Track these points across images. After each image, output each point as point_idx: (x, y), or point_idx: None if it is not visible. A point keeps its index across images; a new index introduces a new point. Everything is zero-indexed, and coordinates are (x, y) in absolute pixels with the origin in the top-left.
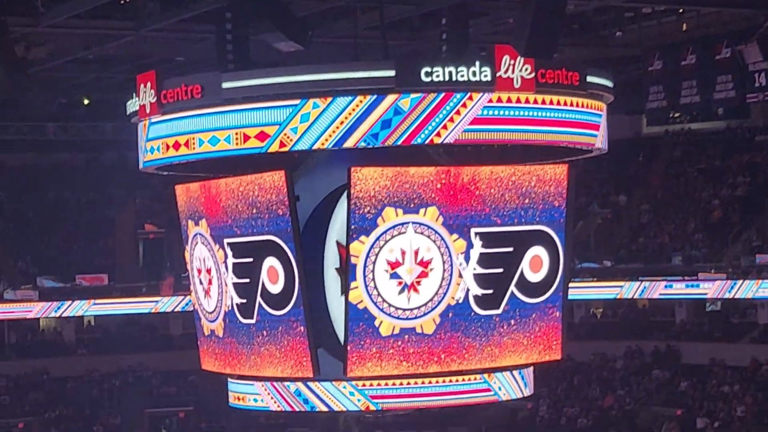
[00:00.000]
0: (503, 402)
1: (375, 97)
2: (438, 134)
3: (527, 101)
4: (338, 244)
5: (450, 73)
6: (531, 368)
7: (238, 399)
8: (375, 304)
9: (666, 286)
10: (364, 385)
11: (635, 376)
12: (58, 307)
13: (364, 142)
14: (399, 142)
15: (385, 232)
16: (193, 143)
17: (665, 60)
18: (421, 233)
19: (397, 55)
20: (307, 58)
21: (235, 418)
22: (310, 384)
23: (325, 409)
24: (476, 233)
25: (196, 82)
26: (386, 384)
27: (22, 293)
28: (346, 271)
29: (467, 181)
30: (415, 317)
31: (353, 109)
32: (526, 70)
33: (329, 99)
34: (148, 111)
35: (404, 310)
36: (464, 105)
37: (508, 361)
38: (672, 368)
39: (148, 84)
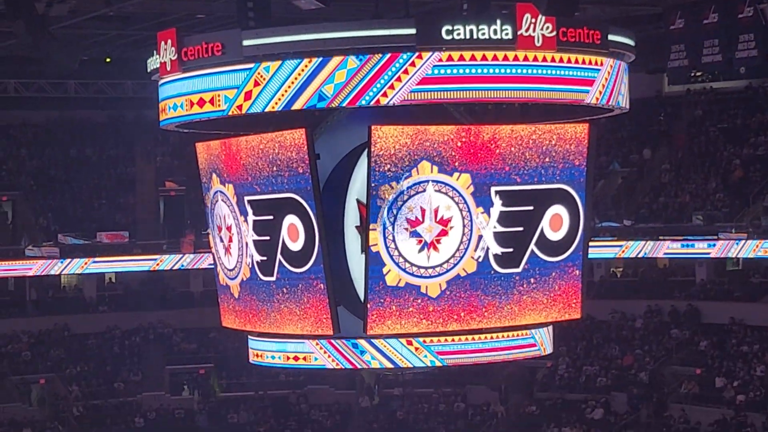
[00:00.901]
0: (529, 359)
1: (321, 59)
2: (384, 94)
3: (484, 58)
4: (358, 202)
5: (471, 32)
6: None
7: (258, 356)
8: (391, 257)
9: (685, 245)
10: (431, 341)
11: (655, 335)
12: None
13: (311, 104)
14: (344, 104)
15: (410, 187)
16: (218, 100)
17: (687, 18)
18: (440, 191)
19: (418, 14)
20: (328, 16)
21: (256, 375)
22: (374, 341)
23: (390, 365)
24: (496, 192)
25: (217, 40)
26: (451, 340)
27: (44, 250)
28: (366, 229)
29: (487, 139)
30: (437, 275)
31: (301, 71)
32: (548, 28)
33: (279, 62)
34: (168, 68)
35: (425, 268)
36: (412, 64)
37: (528, 320)
38: (692, 327)
39: (169, 41)
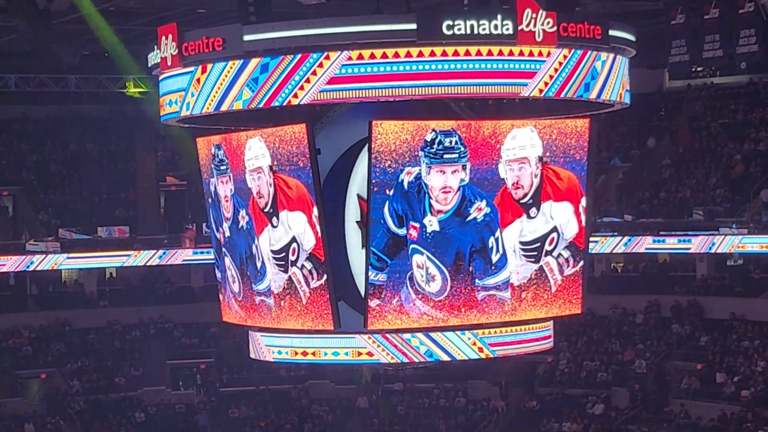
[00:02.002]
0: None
1: (242, 61)
2: (295, 95)
3: (396, 56)
4: (359, 197)
5: (472, 27)
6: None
7: (308, 354)
8: None
9: (683, 240)
10: (484, 333)
11: (655, 330)
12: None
13: (235, 105)
14: (261, 105)
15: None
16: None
17: (688, 14)
18: None
19: (419, 9)
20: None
21: (257, 370)
22: (431, 334)
23: (447, 358)
24: None
25: (218, 35)
26: (500, 331)
27: (44, 245)
28: (367, 224)
29: (488, 134)
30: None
31: (227, 73)
32: (548, 23)
33: (211, 65)
34: (169, 63)
35: None
36: (320, 65)
37: (529, 315)
38: (692, 323)
39: (170, 36)
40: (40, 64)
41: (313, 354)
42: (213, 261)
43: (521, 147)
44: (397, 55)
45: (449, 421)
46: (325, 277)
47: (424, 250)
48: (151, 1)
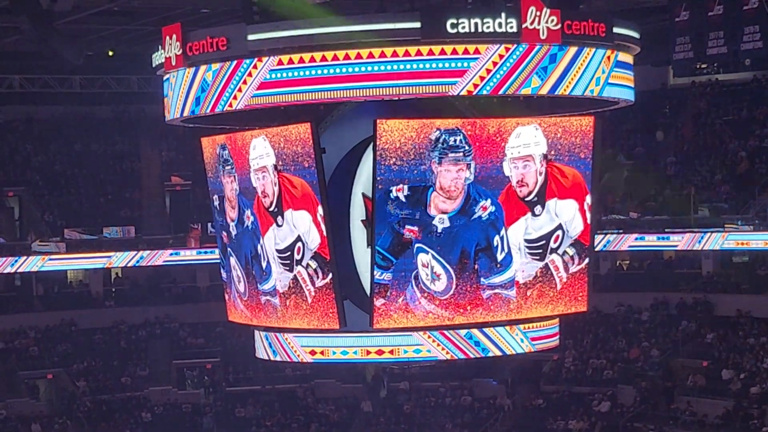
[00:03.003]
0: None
1: (195, 68)
2: (234, 97)
3: (323, 59)
4: (364, 196)
5: (476, 25)
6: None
7: (319, 353)
8: None
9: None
10: (526, 327)
11: (661, 327)
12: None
13: (192, 111)
14: (208, 111)
15: None
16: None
17: (692, 10)
18: None
19: (423, 7)
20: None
21: (262, 370)
22: (485, 329)
23: (498, 353)
24: None
25: (222, 35)
26: (538, 326)
27: (44, 245)
28: (372, 223)
29: (493, 132)
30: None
31: (186, 78)
32: (552, 21)
33: (177, 70)
34: (173, 63)
35: None
36: (254, 68)
37: (535, 313)
38: (698, 320)
39: (174, 36)
40: (45, 64)
41: (383, 352)
42: (170, 263)
43: (525, 145)
44: (324, 58)
45: (455, 419)
46: (330, 276)
47: (429, 249)
48: (155, 1)
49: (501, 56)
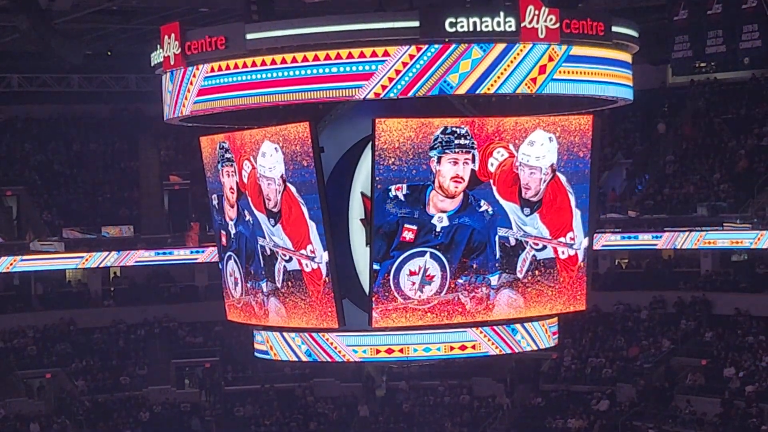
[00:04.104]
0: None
1: (170, 72)
2: (184, 105)
3: (253, 65)
4: (363, 195)
5: (474, 24)
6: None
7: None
8: None
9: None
10: (551, 322)
11: (660, 326)
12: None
13: (168, 115)
14: (170, 116)
15: None
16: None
17: (691, 9)
18: None
19: (422, 6)
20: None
21: (261, 368)
22: (526, 325)
23: (535, 348)
24: None
25: (220, 34)
26: (554, 321)
27: (47, 245)
28: (371, 222)
29: (492, 131)
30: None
31: (167, 82)
32: (551, 20)
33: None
34: (172, 62)
35: None
36: (194, 76)
37: (534, 312)
38: (697, 318)
39: (172, 35)
40: (43, 63)
41: (402, 351)
42: (153, 263)
43: (536, 157)
44: (245, 65)
45: (454, 418)
46: (329, 275)
47: (427, 249)
48: (154, 1)
49: (411, 57)
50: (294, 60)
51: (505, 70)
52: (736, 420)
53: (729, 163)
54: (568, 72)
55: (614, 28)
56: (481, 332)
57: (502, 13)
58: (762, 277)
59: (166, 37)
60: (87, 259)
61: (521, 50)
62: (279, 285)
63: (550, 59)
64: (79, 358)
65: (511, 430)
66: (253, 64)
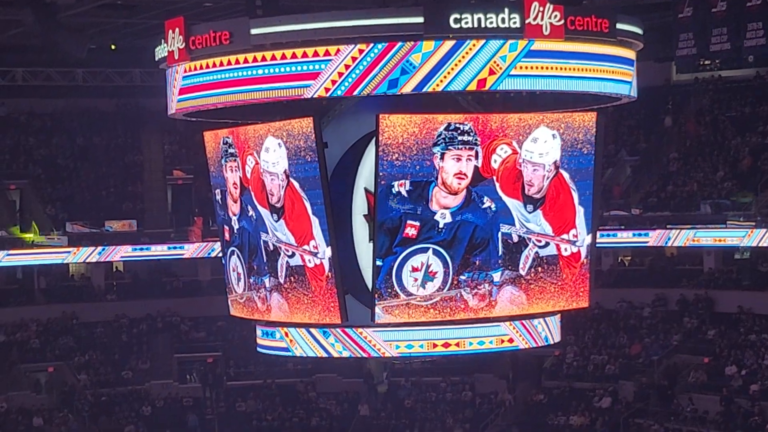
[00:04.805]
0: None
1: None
2: (172, 103)
3: (221, 64)
4: (366, 191)
5: (479, 20)
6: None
7: (457, 345)
8: None
9: (702, 234)
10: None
11: (663, 323)
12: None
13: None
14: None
15: None
16: None
17: (695, 7)
18: None
19: (426, 2)
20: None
21: (263, 364)
22: (546, 320)
23: (553, 341)
24: None
25: (225, 29)
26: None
27: (51, 239)
28: (374, 218)
29: (496, 128)
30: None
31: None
32: (556, 17)
33: None
34: (176, 57)
35: None
36: (175, 79)
37: (536, 309)
38: (700, 316)
39: (177, 30)
40: (48, 57)
41: (457, 345)
42: (129, 259)
43: (540, 154)
44: (206, 66)
45: (456, 414)
46: (332, 270)
47: (430, 245)
48: None
49: (354, 58)
50: (245, 60)
51: (454, 67)
52: (738, 418)
53: (733, 160)
54: (529, 67)
55: (619, 25)
56: (512, 326)
57: (506, 10)
58: (765, 275)
59: (171, 31)
60: (74, 254)
61: (472, 47)
62: (282, 280)
63: (506, 55)
64: (82, 352)
65: (513, 427)
66: (214, 65)
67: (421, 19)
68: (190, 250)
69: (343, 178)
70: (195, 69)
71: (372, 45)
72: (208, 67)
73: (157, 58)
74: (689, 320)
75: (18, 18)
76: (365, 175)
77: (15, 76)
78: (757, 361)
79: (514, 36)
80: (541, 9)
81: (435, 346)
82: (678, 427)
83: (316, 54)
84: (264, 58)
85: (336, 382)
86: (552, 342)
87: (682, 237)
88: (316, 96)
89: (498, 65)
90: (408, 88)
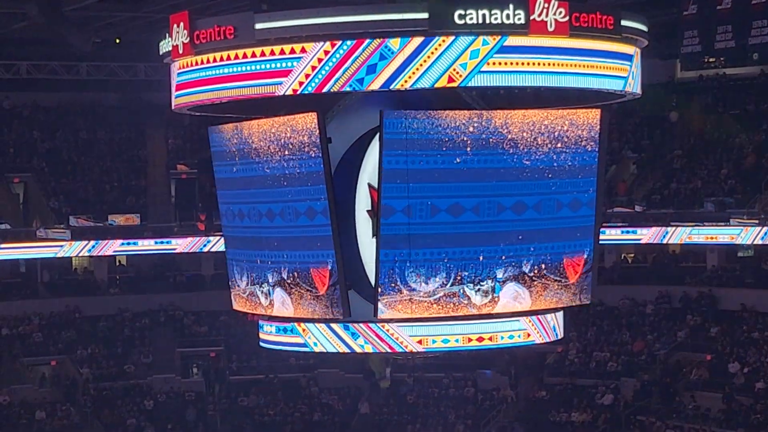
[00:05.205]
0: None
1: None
2: (173, 98)
3: (208, 62)
4: (370, 186)
5: (483, 16)
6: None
7: (490, 339)
8: None
9: (696, 232)
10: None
11: (665, 321)
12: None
13: None
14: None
15: None
16: None
17: (700, 4)
18: None
19: None
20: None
21: (266, 358)
22: (560, 313)
23: (561, 336)
24: None
25: (229, 23)
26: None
27: (54, 232)
28: (377, 214)
29: (500, 124)
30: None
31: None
32: (560, 13)
33: None
34: (181, 51)
35: None
36: (172, 76)
37: (539, 305)
38: (702, 314)
39: (181, 24)
40: (52, 51)
41: (490, 339)
42: (120, 253)
43: None
44: (189, 65)
45: (458, 410)
46: (335, 266)
47: (433, 241)
48: None
49: (326, 52)
50: (221, 59)
51: (422, 64)
52: (740, 416)
53: (736, 158)
54: (501, 63)
55: (623, 22)
56: (530, 321)
57: (511, 6)
58: None
59: (175, 25)
60: (66, 249)
61: (441, 43)
62: (285, 276)
63: (476, 51)
64: (85, 345)
65: (515, 423)
66: (196, 63)
67: (425, 15)
68: (182, 245)
69: (347, 174)
70: (187, 66)
71: (340, 42)
72: (196, 64)
73: (161, 53)
74: (692, 318)
75: (23, 11)
76: (369, 171)
77: (19, 70)
78: (759, 358)
79: (519, 32)
80: (546, 5)
81: (470, 340)
82: (680, 425)
83: (293, 51)
84: (237, 56)
85: (338, 377)
86: (560, 336)
87: (678, 235)
88: (288, 93)
89: (467, 62)
90: (375, 86)
